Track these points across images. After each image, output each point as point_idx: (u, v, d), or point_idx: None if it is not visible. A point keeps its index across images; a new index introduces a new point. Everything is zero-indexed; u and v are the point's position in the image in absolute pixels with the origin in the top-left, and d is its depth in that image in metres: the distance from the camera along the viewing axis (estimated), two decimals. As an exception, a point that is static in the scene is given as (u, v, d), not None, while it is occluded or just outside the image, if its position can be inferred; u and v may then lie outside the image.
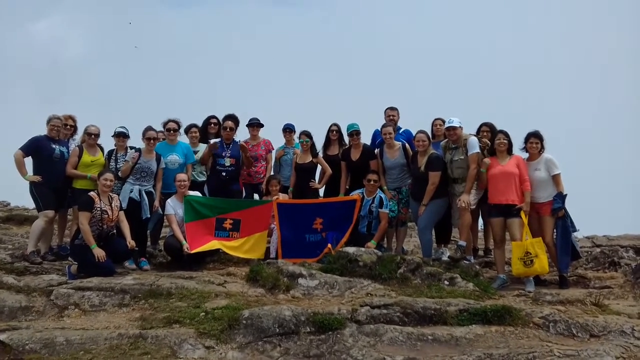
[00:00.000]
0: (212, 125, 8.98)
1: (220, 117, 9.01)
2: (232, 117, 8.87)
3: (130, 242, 7.17)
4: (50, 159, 7.72)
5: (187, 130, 8.74)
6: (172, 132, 8.37)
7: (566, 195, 7.18)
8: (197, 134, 8.73)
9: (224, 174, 8.57)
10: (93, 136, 7.99)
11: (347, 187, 8.62)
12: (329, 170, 8.66)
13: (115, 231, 7.36)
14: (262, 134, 9.36)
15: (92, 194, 7.11)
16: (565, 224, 7.17)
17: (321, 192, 9.01)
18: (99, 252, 6.80)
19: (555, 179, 7.24)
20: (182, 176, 7.87)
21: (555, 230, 7.26)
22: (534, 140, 7.38)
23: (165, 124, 8.45)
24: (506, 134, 7.46)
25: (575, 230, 7.33)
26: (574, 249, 7.29)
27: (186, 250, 7.52)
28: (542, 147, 7.41)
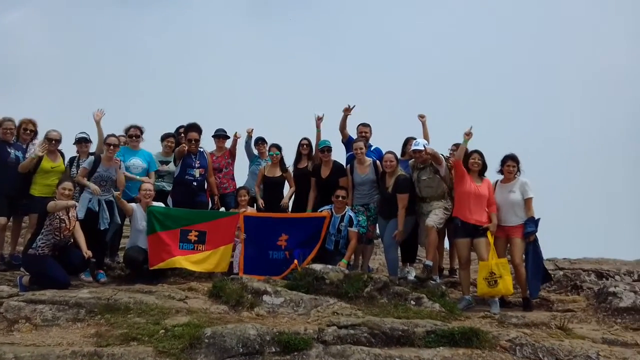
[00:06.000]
0: (182, 135, 8.76)
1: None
2: (196, 127, 8.60)
3: (87, 253, 6.87)
4: (4, 164, 7.41)
5: (163, 139, 8.54)
6: (134, 138, 8.18)
7: (539, 219, 7.23)
8: (173, 143, 8.52)
9: (195, 184, 8.33)
10: (54, 142, 7.69)
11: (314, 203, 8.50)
12: (293, 187, 8.69)
13: (72, 241, 7.05)
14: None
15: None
16: (536, 249, 7.21)
17: (289, 206, 8.89)
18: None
19: (527, 202, 7.31)
20: (147, 185, 7.63)
21: (525, 255, 7.29)
22: (512, 163, 7.44)
23: (127, 130, 8.24)
24: (481, 154, 7.47)
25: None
26: (545, 272, 7.37)
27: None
28: (519, 170, 7.47)
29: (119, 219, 7.69)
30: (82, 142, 7.72)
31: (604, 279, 8.30)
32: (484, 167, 7.47)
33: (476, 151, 7.51)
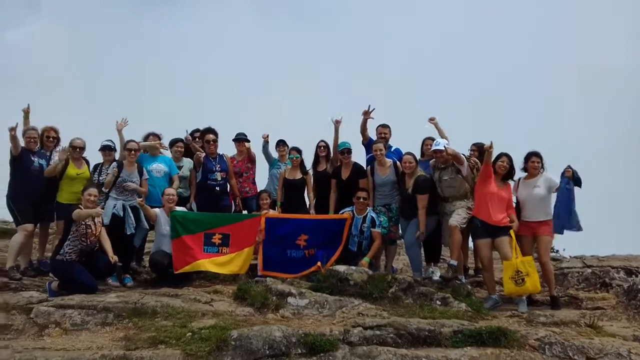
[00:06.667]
0: (196, 139, 8.84)
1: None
2: (212, 130, 8.68)
3: (113, 257, 6.94)
4: (28, 172, 7.53)
5: (172, 144, 8.60)
6: None
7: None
8: (182, 148, 8.59)
9: (217, 188, 8.43)
10: (78, 149, 7.82)
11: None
12: (311, 193, 8.70)
13: (98, 246, 7.14)
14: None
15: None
16: (570, 187, 7.07)
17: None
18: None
19: None
20: (170, 190, 7.73)
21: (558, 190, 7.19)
22: (536, 159, 7.38)
23: (146, 138, 8.34)
24: (510, 158, 7.41)
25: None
26: (576, 220, 7.15)
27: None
28: (543, 166, 7.41)
29: (146, 224, 7.78)
30: (106, 149, 7.83)
31: (633, 275, 8.11)
32: (510, 171, 7.40)
33: (505, 154, 7.43)
